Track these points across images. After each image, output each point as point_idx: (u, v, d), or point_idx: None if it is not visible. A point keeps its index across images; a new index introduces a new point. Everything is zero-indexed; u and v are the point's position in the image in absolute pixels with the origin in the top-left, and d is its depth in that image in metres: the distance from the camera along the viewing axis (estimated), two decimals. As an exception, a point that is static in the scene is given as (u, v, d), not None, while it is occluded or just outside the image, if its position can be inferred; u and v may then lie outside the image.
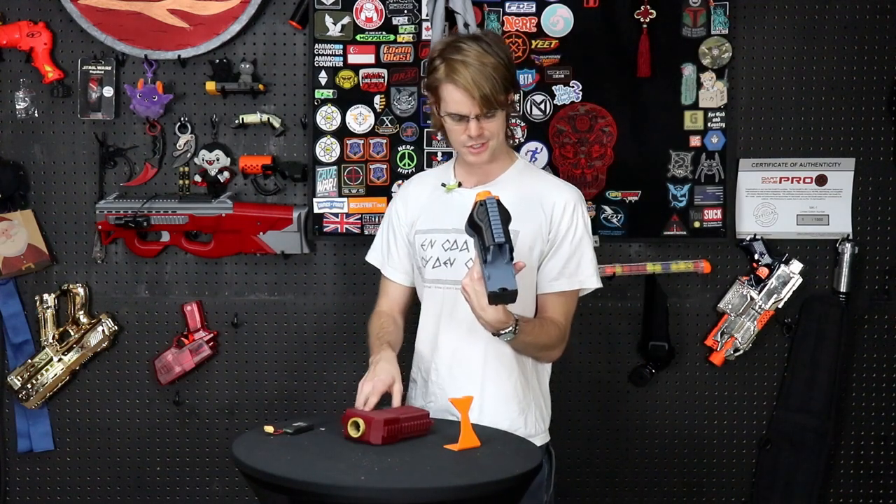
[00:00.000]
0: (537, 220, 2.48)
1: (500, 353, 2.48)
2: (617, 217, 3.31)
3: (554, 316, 2.50)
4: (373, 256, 2.72)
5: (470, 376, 2.49)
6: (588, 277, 2.51)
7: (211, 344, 3.34)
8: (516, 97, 2.49)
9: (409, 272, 2.64)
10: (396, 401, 2.39)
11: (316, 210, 3.30)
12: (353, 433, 2.23)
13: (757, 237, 3.32)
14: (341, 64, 3.28)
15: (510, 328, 2.32)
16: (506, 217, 2.23)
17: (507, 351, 2.47)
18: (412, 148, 3.30)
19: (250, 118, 3.29)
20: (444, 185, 2.57)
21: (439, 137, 3.19)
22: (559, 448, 3.36)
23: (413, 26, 3.27)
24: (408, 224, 2.62)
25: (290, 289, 3.36)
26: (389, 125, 3.29)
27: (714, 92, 3.29)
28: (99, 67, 3.29)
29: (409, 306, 2.67)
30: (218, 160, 3.31)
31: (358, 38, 3.28)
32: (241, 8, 3.25)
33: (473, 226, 2.26)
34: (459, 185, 2.55)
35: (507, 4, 3.27)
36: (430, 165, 3.28)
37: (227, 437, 3.33)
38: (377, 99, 3.29)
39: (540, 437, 2.55)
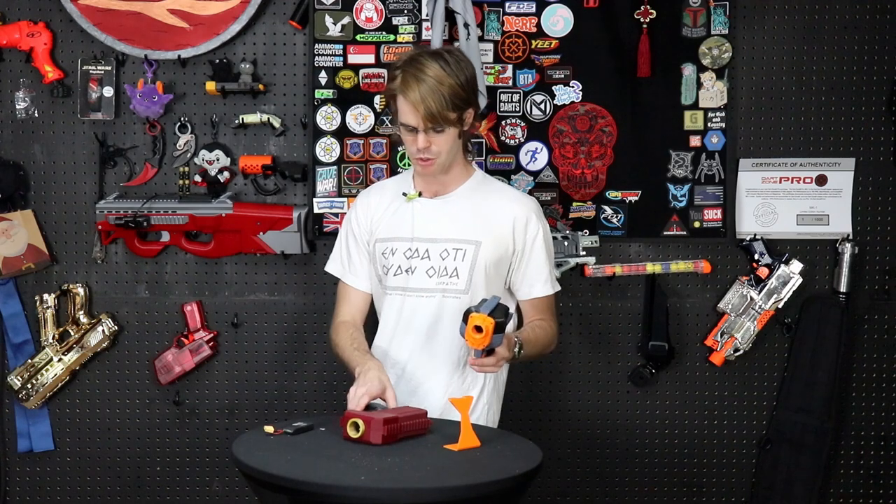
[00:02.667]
0: (498, 231, 2.59)
1: (453, 365, 2.57)
2: (617, 217, 3.31)
3: (542, 316, 2.64)
4: (332, 267, 2.78)
5: (417, 387, 2.57)
6: (554, 283, 2.67)
7: (211, 344, 3.34)
8: (470, 117, 2.55)
9: (368, 277, 2.70)
10: (392, 405, 2.40)
11: (316, 210, 3.30)
12: (352, 434, 2.23)
13: (757, 237, 3.32)
14: (341, 64, 3.28)
15: (515, 348, 2.44)
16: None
17: (456, 361, 2.57)
18: (412, 148, 3.29)
19: (250, 118, 3.29)
20: (405, 194, 2.65)
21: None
22: (559, 448, 3.37)
23: (413, 26, 3.27)
24: (367, 232, 2.69)
25: (290, 289, 3.36)
26: (389, 125, 3.29)
27: (714, 92, 3.29)
28: (99, 67, 3.29)
29: (367, 314, 2.73)
30: (218, 160, 3.31)
31: (358, 38, 3.28)
32: (241, 8, 3.25)
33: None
34: (420, 194, 2.64)
35: (507, 4, 3.27)
36: (430, 165, 3.28)
37: (227, 437, 3.33)
38: (377, 99, 3.29)
39: None
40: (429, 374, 2.58)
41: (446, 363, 2.58)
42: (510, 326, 2.51)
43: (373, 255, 2.67)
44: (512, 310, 2.47)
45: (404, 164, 3.29)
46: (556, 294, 2.69)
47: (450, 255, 2.57)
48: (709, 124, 3.30)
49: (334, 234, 3.28)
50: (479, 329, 2.28)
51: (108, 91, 3.29)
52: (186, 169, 3.33)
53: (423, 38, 3.25)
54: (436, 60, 2.49)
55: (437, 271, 2.57)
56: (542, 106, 3.30)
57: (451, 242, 2.57)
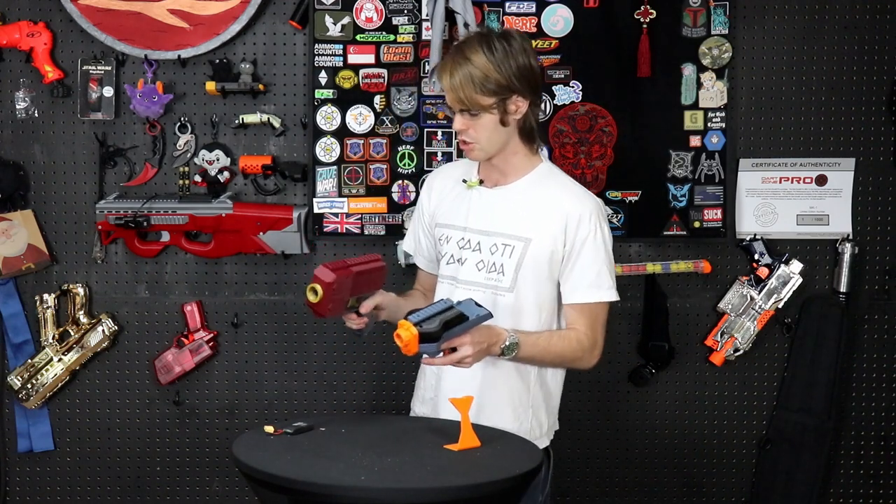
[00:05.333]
0: (550, 229, 2.48)
1: (490, 361, 2.48)
2: (617, 217, 3.31)
3: (576, 326, 2.51)
4: (407, 244, 2.79)
5: (471, 377, 2.48)
6: (606, 291, 2.50)
7: (211, 344, 3.34)
8: (519, 106, 2.46)
9: (435, 260, 2.67)
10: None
11: (316, 210, 3.30)
12: (311, 298, 2.30)
13: (757, 237, 3.32)
14: (341, 64, 3.28)
15: (504, 343, 2.37)
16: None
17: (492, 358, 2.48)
18: (412, 148, 3.30)
19: (250, 118, 3.29)
20: (465, 181, 2.59)
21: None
22: (559, 448, 3.36)
23: (413, 26, 3.27)
24: (429, 215, 2.66)
25: (290, 289, 3.36)
26: (389, 125, 3.29)
27: (714, 92, 3.29)
28: (99, 67, 3.29)
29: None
30: (218, 160, 3.31)
31: (358, 38, 3.28)
32: (241, 8, 3.25)
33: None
34: (481, 182, 2.57)
35: (507, 4, 3.27)
36: (430, 166, 3.28)
37: (227, 437, 3.33)
38: (377, 99, 3.29)
39: (539, 441, 2.55)
40: (473, 370, 2.46)
41: (488, 359, 2.46)
42: (496, 325, 2.40)
43: (434, 238, 2.64)
44: (481, 313, 2.32)
45: (404, 165, 3.29)
46: (603, 305, 2.52)
47: (499, 251, 2.50)
48: (709, 124, 3.30)
49: (334, 233, 3.30)
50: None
51: (108, 91, 3.29)
52: (186, 169, 3.33)
53: (424, 37, 3.25)
54: (482, 43, 2.43)
55: (486, 266, 2.51)
56: (542, 106, 3.29)
57: (502, 237, 2.50)
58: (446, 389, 2.53)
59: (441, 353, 2.31)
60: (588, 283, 2.48)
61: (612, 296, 2.52)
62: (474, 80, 2.41)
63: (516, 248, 2.48)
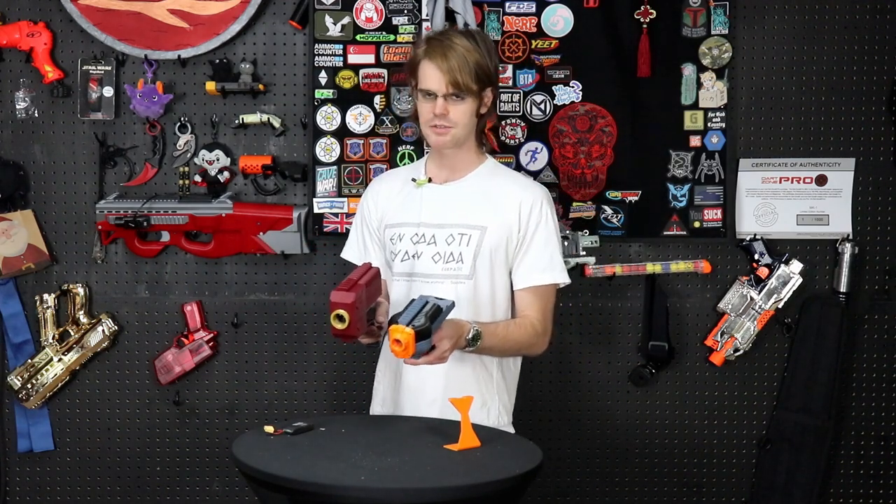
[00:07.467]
0: (504, 217, 2.57)
1: (457, 355, 2.51)
2: (617, 217, 3.31)
3: (528, 312, 2.58)
4: (349, 253, 2.80)
5: (433, 371, 2.52)
6: (559, 273, 2.60)
7: (211, 344, 3.34)
8: (489, 99, 2.59)
9: (385, 264, 2.69)
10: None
11: (316, 210, 3.30)
12: (340, 326, 2.29)
13: (757, 237, 3.32)
14: (341, 64, 3.28)
15: (468, 335, 2.40)
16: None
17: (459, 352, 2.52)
18: (412, 148, 3.30)
19: (250, 118, 3.29)
20: (414, 179, 2.66)
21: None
22: (560, 448, 3.37)
23: (413, 26, 3.27)
24: (378, 219, 2.70)
25: (290, 289, 3.36)
26: (389, 125, 3.29)
27: (714, 92, 3.29)
28: (99, 67, 3.29)
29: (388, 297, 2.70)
30: (218, 160, 3.31)
31: (358, 38, 3.28)
32: (241, 8, 3.25)
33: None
34: (430, 180, 2.64)
35: (507, 4, 3.27)
36: (430, 165, 3.28)
37: (227, 437, 3.33)
38: (377, 99, 3.29)
39: (506, 430, 2.58)
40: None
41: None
42: (455, 313, 2.44)
43: (382, 242, 2.68)
44: (447, 304, 2.38)
45: (404, 164, 3.29)
46: (553, 289, 2.61)
47: (455, 240, 2.56)
48: (709, 124, 3.30)
49: (334, 234, 3.30)
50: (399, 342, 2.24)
51: (108, 91, 3.29)
52: (186, 169, 3.33)
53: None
54: (464, 36, 2.56)
55: (443, 257, 2.56)
56: (542, 106, 3.30)
57: (457, 228, 2.57)
58: (410, 384, 2.57)
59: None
60: (543, 266, 2.58)
61: (565, 277, 2.61)
62: (469, 63, 2.50)
63: (473, 237, 2.55)
